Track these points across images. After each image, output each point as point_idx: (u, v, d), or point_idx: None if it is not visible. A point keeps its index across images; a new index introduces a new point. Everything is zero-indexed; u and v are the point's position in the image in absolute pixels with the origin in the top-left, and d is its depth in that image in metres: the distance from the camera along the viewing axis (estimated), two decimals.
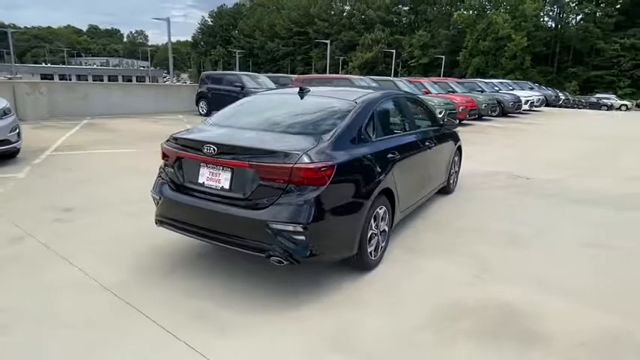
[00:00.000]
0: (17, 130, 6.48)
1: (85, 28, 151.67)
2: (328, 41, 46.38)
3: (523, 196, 5.71)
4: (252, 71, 46.23)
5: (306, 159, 2.64)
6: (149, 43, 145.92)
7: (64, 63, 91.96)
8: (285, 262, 2.67)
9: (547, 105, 25.24)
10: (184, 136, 3.11)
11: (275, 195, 2.66)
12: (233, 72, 16.30)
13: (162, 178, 3.20)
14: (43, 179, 5.68)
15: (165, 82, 68.55)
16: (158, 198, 3.14)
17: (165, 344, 2.36)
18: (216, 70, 65.96)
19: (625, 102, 38.06)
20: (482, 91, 17.86)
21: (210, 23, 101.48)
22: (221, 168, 2.82)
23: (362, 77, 13.66)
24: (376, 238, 3.27)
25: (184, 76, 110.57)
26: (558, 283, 3.19)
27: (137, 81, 72.45)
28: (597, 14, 55.19)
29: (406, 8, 73.75)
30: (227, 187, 2.79)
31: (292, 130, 3.07)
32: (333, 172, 2.72)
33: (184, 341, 2.37)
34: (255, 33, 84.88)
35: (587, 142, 11.88)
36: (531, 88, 24.62)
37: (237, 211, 2.72)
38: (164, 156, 3.20)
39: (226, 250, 3.39)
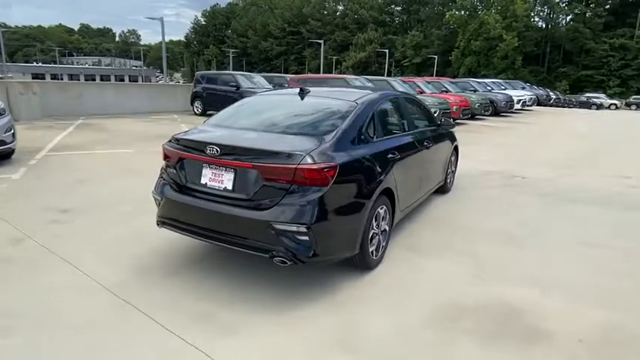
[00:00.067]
0: (12, 131, 6.42)
1: (76, 27, 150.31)
2: (322, 41, 46.36)
3: (519, 195, 5.78)
4: (246, 71, 46.09)
5: (309, 160, 2.67)
6: (141, 43, 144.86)
7: (55, 62, 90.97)
8: (288, 263, 2.69)
9: (539, 104, 25.51)
10: (186, 137, 3.12)
11: (278, 195, 2.68)
12: (228, 72, 16.26)
13: (164, 179, 3.20)
14: (39, 180, 5.64)
15: (158, 81, 68.09)
16: (160, 199, 3.14)
17: (169, 345, 2.36)
18: (209, 69, 65.69)
19: (614, 101, 38.55)
20: (475, 91, 18.02)
21: (203, 23, 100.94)
22: (224, 169, 2.83)
23: (357, 77, 13.70)
24: (377, 237, 3.30)
25: (177, 75, 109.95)
26: (556, 282, 3.24)
27: (130, 80, 71.94)
28: (587, 14, 55.89)
29: (399, 8, 74.01)
30: (230, 187, 2.81)
31: (294, 131, 3.09)
32: (336, 173, 2.75)
33: (189, 342, 2.37)
34: (249, 32, 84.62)
35: (579, 141, 12.05)
36: (523, 88, 24.86)
37: (241, 212, 2.73)
38: (165, 157, 3.20)
39: (227, 251, 3.41)
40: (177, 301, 2.79)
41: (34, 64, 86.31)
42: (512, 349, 2.42)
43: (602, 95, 40.72)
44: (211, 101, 14.31)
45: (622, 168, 7.97)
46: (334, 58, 70.15)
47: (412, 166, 4.00)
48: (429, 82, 16.20)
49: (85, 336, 2.42)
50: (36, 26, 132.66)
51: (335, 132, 3.00)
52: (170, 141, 3.20)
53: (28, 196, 4.96)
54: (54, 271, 3.15)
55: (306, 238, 2.65)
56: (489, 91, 19.56)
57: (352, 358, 2.31)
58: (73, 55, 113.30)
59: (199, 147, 2.91)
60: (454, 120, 12.47)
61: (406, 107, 4.36)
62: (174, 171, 3.08)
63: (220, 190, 2.84)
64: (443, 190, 5.47)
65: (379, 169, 3.23)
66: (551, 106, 30.41)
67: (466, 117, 14.77)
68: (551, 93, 33.63)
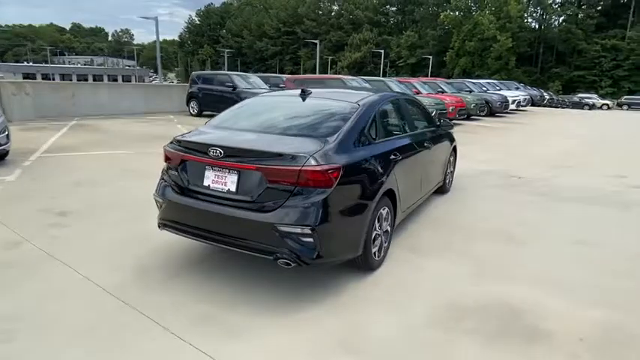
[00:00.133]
0: (6, 132, 6.35)
1: (68, 27, 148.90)
2: (317, 41, 46.40)
3: (516, 194, 5.82)
4: (241, 71, 46.00)
5: (312, 161, 2.66)
6: (134, 42, 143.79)
7: (46, 62, 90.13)
8: (292, 265, 2.68)
9: (533, 105, 25.70)
10: (188, 139, 3.10)
11: (282, 197, 2.67)
12: (224, 72, 16.20)
13: (165, 181, 3.18)
14: (35, 182, 5.58)
15: (151, 81, 67.72)
16: (161, 201, 3.11)
17: (172, 348, 2.35)
18: (204, 69, 65.42)
19: (606, 101, 38.92)
20: (470, 92, 18.11)
21: (198, 22, 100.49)
22: (227, 171, 2.82)
23: (354, 78, 13.72)
24: (380, 238, 3.30)
25: (171, 75, 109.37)
26: (556, 282, 3.26)
27: (123, 80, 71.50)
28: (579, 16, 56.41)
29: (394, 9, 74.20)
30: (233, 189, 2.79)
31: (297, 133, 3.08)
32: (340, 175, 2.75)
33: (193, 344, 2.36)
34: (244, 32, 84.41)
35: (574, 141, 12.15)
36: (517, 88, 25.06)
37: (245, 214, 2.72)
38: (167, 159, 3.18)
39: (227, 252, 3.39)
40: (179, 304, 2.77)
41: (25, 63, 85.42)
42: (514, 348, 2.44)
43: (595, 96, 41.12)
44: (207, 102, 14.26)
45: (617, 167, 8.06)
46: (329, 58, 70.19)
47: (413, 167, 4.01)
48: (425, 83, 16.26)
49: (86, 340, 2.40)
50: (27, 25, 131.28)
51: (338, 133, 3.00)
52: (172, 142, 3.17)
53: (24, 198, 4.90)
54: (53, 274, 3.12)
55: (311, 239, 2.65)
56: (484, 91, 19.68)
57: (356, 359, 2.31)
58: (64, 55, 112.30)
59: (202, 149, 2.89)
60: (450, 120, 12.57)
61: (406, 108, 4.37)
62: (176, 173, 3.05)
63: (224, 192, 2.82)
64: (442, 190, 5.49)
65: (381, 171, 3.23)
66: (544, 106, 30.67)
67: (462, 117, 14.83)
68: (544, 93, 33.91)
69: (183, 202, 2.98)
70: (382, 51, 56.58)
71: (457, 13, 57.97)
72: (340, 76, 16.50)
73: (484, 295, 3.02)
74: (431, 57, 54.31)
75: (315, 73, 46.03)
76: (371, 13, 71.62)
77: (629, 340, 2.57)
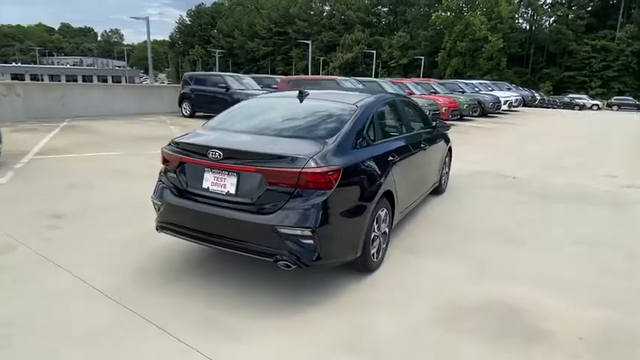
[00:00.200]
0: None
1: (57, 27, 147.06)
2: (310, 41, 46.38)
3: (511, 194, 5.87)
4: (232, 71, 45.79)
5: (312, 163, 2.66)
6: (124, 43, 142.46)
7: (35, 62, 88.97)
8: (293, 267, 2.68)
9: (524, 105, 25.96)
10: (187, 141, 3.08)
11: (282, 199, 2.66)
12: (217, 73, 16.15)
13: (163, 183, 3.15)
14: (28, 184, 5.50)
15: (142, 82, 67.20)
16: (160, 203, 3.09)
17: (173, 351, 2.33)
18: (194, 70, 65.07)
19: (596, 102, 39.48)
20: (463, 92, 18.23)
21: (189, 22, 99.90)
22: (226, 173, 2.81)
23: (348, 78, 13.74)
24: (378, 239, 3.31)
25: (162, 76, 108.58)
26: (555, 281, 3.29)
27: (113, 81, 70.81)
28: (569, 17, 57.12)
29: (385, 9, 74.48)
30: (233, 192, 2.78)
31: (296, 134, 3.08)
32: (340, 176, 2.75)
33: (194, 348, 2.35)
34: (235, 33, 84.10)
35: (566, 141, 12.30)
36: (509, 89, 25.30)
37: (245, 216, 2.71)
38: (164, 161, 3.16)
39: (226, 254, 3.38)
40: (179, 306, 2.75)
41: (13, 64, 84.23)
42: (514, 348, 2.46)
43: (585, 96, 41.67)
44: (200, 103, 14.18)
45: (609, 167, 8.18)
46: (321, 58, 70.23)
47: (410, 168, 4.02)
48: (417, 84, 16.34)
49: (85, 344, 2.37)
50: (15, 25, 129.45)
51: (337, 135, 3.00)
52: (169, 144, 3.15)
53: (17, 201, 4.83)
54: (51, 278, 3.07)
55: (311, 241, 2.65)
56: (477, 92, 19.84)
57: (359, 359, 2.31)
58: (53, 55, 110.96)
59: (201, 151, 2.88)
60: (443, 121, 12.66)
61: (403, 109, 4.39)
62: (174, 175, 3.03)
63: (223, 195, 2.81)
64: (438, 191, 5.52)
65: (380, 172, 3.24)
66: (536, 106, 31.02)
67: (455, 118, 14.93)
68: (536, 94, 34.27)
69: (181, 205, 2.96)
70: (374, 52, 56.73)
71: (448, 13, 58.35)
72: (334, 77, 16.53)
73: (484, 295, 3.04)
74: (423, 57, 54.58)
75: (307, 74, 46.00)
76: (363, 14, 71.80)
77: (629, 339, 2.60)
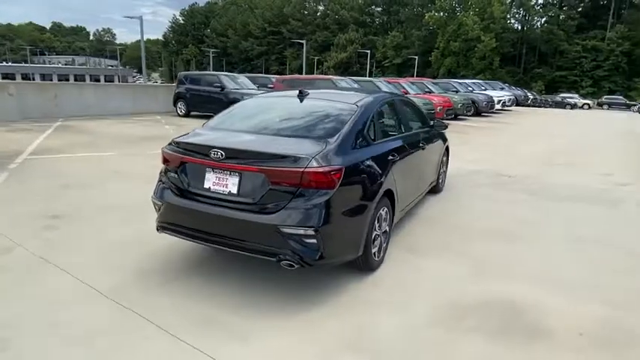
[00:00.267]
0: None
1: (48, 26, 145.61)
2: (304, 41, 46.31)
3: (508, 193, 5.92)
4: (226, 70, 45.56)
5: (315, 163, 2.66)
6: (117, 42, 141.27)
7: (26, 62, 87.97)
8: (295, 266, 2.68)
9: (517, 104, 26.18)
10: (188, 141, 3.06)
11: (285, 199, 2.66)
12: (212, 72, 16.08)
13: (164, 183, 3.13)
14: (23, 185, 5.44)
15: (135, 81, 66.68)
16: (160, 204, 3.07)
17: (175, 352, 2.32)
18: (188, 69, 64.75)
19: (587, 101, 39.93)
20: (457, 92, 18.34)
21: (182, 22, 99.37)
22: (228, 173, 2.80)
23: (343, 78, 13.75)
24: (379, 239, 3.32)
25: (155, 75, 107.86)
26: (555, 279, 3.32)
27: (105, 80, 70.23)
28: (560, 17, 57.70)
29: (379, 9, 74.65)
30: (235, 191, 2.77)
31: (297, 134, 3.07)
32: (342, 176, 2.75)
33: (197, 348, 2.33)
34: (229, 32, 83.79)
35: (559, 140, 12.43)
36: (502, 88, 25.51)
37: (247, 216, 2.70)
38: (165, 161, 3.14)
39: (226, 254, 3.37)
40: (180, 307, 2.74)
41: (4, 63, 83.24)
42: (516, 345, 2.48)
43: (576, 95, 42.14)
44: (195, 102, 14.12)
45: (602, 165, 8.27)
46: (316, 58, 70.22)
47: (410, 167, 4.04)
48: (412, 83, 16.40)
49: (86, 345, 2.35)
50: (5, 24, 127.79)
51: (339, 134, 3.00)
52: (170, 144, 3.13)
53: (13, 201, 4.78)
54: (49, 279, 3.04)
55: (314, 241, 2.65)
56: (470, 91, 19.95)
57: (365, 358, 2.32)
58: (44, 54, 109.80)
59: (202, 151, 2.86)
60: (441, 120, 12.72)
61: (402, 109, 4.40)
62: (175, 175, 3.01)
63: (225, 195, 2.80)
64: (435, 190, 5.54)
65: (380, 171, 3.25)
66: (528, 106, 31.30)
67: (449, 117, 15.01)
68: (528, 93, 34.57)
69: (183, 205, 2.94)
70: (368, 51, 56.82)
71: (442, 13, 58.65)
72: (330, 76, 16.53)
73: (484, 293, 3.06)
74: (416, 57, 54.80)
75: (301, 74, 45.94)
76: (356, 14, 71.90)
77: (630, 336, 2.62)
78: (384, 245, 3.48)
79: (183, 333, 2.45)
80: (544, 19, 59.87)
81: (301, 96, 3.62)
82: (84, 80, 66.39)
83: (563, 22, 56.82)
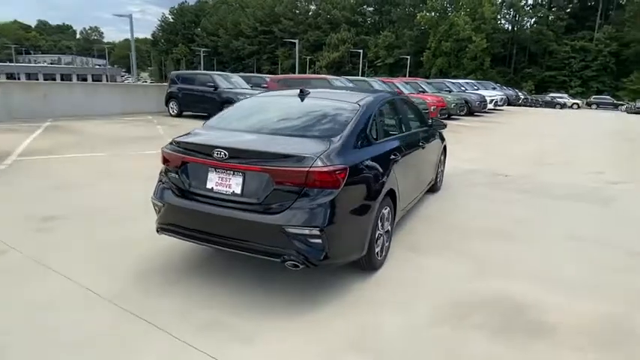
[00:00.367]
0: None
1: (33, 24, 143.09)
2: (296, 40, 46.21)
3: (504, 192, 5.94)
4: (217, 70, 45.31)
5: (320, 162, 2.63)
6: (105, 40, 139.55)
7: (11, 61, 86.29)
8: (300, 266, 2.65)
9: (509, 104, 26.43)
10: (190, 140, 3.01)
11: (290, 199, 2.62)
12: (205, 72, 15.92)
13: (164, 184, 3.07)
14: (13, 187, 5.32)
15: (123, 81, 65.94)
16: (160, 204, 3.01)
17: (177, 353, 2.28)
18: (178, 68, 64.18)
19: (576, 101, 40.51)
20: (450, 91, 18.43)
21: (171, 20, 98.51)
22: (232, 173, 2.75)
23: (338, 77, 13.72)
24: (382, 238, 3.30)
25: (144, 75, 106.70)
26: (555, 277, 3.34)
27: (93, 80, 69.26)
28: (549, 18, 58.46)
29: (371, 9, 74.83)
30: (238, 192, 2.72)
31: (300, 133, 3.04)
32: (346, 175, 2.72)
33: (201, 350, 2.29)
34: (219, 31, 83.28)
35: (551, 139, 12.56)
36: (494, 88, 25.73)
37: (251, 216, 2.66)
38: (165, 160, 3.08)
39: (227, 255, 3.34)
40: (182, 309, 2.69)
41: None
42: (519, 342, 2.48)
43: (565, 95, 42.72)
44: (188, 102, 13.98)
45: (594, 164, 8.37)
46: (308, 57, 70.14)
47: (410, 166, 4.03)
48: (406, 83, 16.44)
49: (86, 350, 2.29)
50: None
51: (342, 134, 2.98)
52: (171, 144, 3.08)
53: (4, 203, 4.67)
54: (45, 283, 2.97)
55: (319, 241, 2.62)
56: (463, 91, 20.08)
57: (370, 358, 2.30)
58: (30, 54, 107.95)
59: (205, 150, 2.81)
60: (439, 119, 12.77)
61: (402, 108, 4.39)
62: (176, 175, 2.95)
63: (228, 195, 2.75)
64: (433, 189, 5.54)
65: (383, 171, 3.23)
66: (520, 105, 31.65)
67: (443, 117, 15.07)
68: (519, 93, 34.94)
69: (184, 205, 2.89)
70: (361, 51, 56.93)
71: (433, 13, 59.00)
72: (325, 76, 16.50)
73: (486, 292, 3.06)
74: (408, 57, 55.06)
75: (294, 73, 45.86)
76: (348, 13, 71.99)
77: (630, 333, 2.64)
78: (387, 244, 3.46)
79: (188, 336, 2.41)
80: (533, 19, 60.61)
81: (302, 95, 3.59)
82: (70, 80, 65.26)
83: (552, 23, 57.56)
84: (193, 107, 13.90)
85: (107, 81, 65.60)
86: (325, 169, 2.63)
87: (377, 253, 3.23)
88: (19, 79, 59.55)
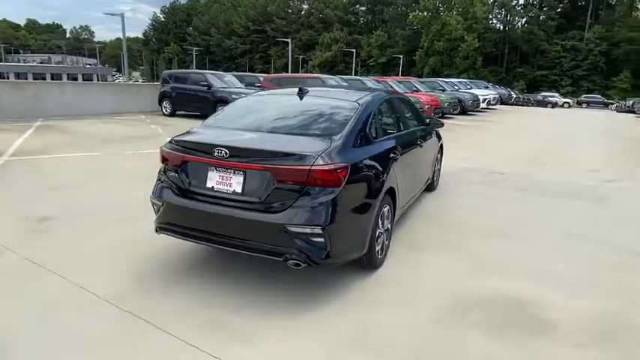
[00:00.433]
0: None
1: (22, 23, 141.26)
2: (289, 40, 46.12)
3: (501, 190, 5.98)
4: (209, 69, 44.99)
5: (321, 161, 2.62)
6: (95, 40, 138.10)
7: (0, 60, 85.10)
8: (302, 265, 2.63)
9: (501, 103, 26.62)
10: (190, 139, 2.98)
11: (291, 198, 2.61)
12: (198, 70, 15.80)
13: (163, 183, 3.04)
14: (7, 187, 5.24)
15: (114, 80, 65.34)
16: (160, 204, 2.97)
17: (178, 354, 2.26)
18: (170, 68, 63.70)
19: (567, 100, 40.91)
20: (443, 90, 18.51)
21: (163, 19, 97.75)
22: (232, 171, 2.73)
23: (332, 76, 13.71)
24: (382, 236, 3.30)
25: (136, 74, 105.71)
26: (553, 274, 3.36)
27: (84, 79, 68.44)
28: (540, 17, 58.97)
29: (363, 8, 74.93)
30: (239, 190, 2.70)
31: (301, 132, 3.03)
32: (348, 173, 2.72)
33: (203, 349, 2.27)
34: (211, 30, 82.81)
35: (545, 137, 12.67)
36: (487, 87, 25.93)
37: (252, 215, 2.64)
38: (164, 160, 3.05)
39: (226, 254, 3.31)
40: (183, 309, 2.66)
41: None
42: (520, 339, 2.50)
43: (557, 94, 43.12)
44: (181, 101, 13.88)
45: (588, 162, 8.46)
46: (300, 57, 70.03)
47: (409, 165, 4.03)
48: (400, 82, 16.48)
49: (87, 352, 2.26)
50: None
51: (342, 132, 2.97)
52: (170, 142, 3.04)
53: None
54: (44, 285, 2.92)
55: (321, 239, 2.61)
56: (456, 90, 20.18)
57: (374, 356, 2.30)
58: (19, 53, 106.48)
59: (206, 149, 2.79)
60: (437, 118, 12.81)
61: (400, 107, 4.39)
62: (176, 174, 2.92)
63: (229, 194, 2.73)
64: (430, 187, 5.55)
65: (383, 169, 3.23)
66: (512, 104, 31.91)
67: (437, 116, 15.13)
68: (512, 92, 35.23)
69: (184, 205, 2.86)
70: (353, 50, 56.98)
71: (425, 13, 59.24)
72: (319, 75, 16.48)
73: (485, 289, 3.08)
74: (401, 56, 55.21)
75: (286, 72, 45.78)
76: (341, 13, 72.00)
77: (629, 330, 2.66)
78: (387, 243, 3.47)
79: (189, 336, 2.38)
80: (525, 19, 61.08)
81: (301, 94, 3.57)
82: (61, 79, 64.42)
83: (543, 23, 58.09)
84: (187, 106, 13.81)
85: (98, 80, 64.91)
86: (327, 167, 2.62)
87: (377, 251, 3.23)
88: (8, 78, 58.66)
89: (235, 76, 15.78)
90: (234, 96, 11.70)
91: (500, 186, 6.23)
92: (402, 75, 45.91)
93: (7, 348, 2.26)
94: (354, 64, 58.93)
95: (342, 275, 3.16)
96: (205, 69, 42.36)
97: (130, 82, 46.71)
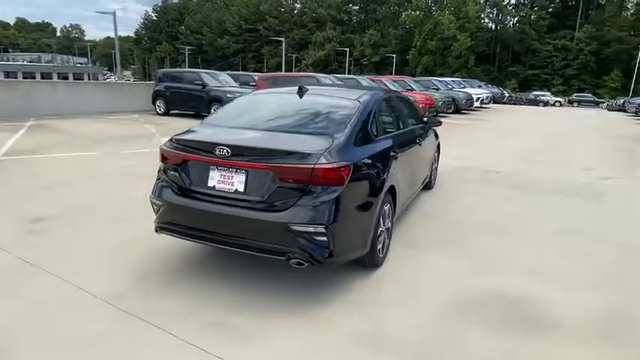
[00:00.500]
0: None
1: (12, 22, 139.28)
2: (283, 38, 46.00)
3: (497, 189, 6.01)
4: (202, 68, 44.74)
5: (324, 159, 2.61)
6: (86, 38, 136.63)
7: None
8: (305, 264, 2.62)
9: (494, 102, 26.80)
10: (190, 138, 2.95)
11: (294, 196, 2.60)
12: (192, 69, 15.70)
13: (163, 182, 3.00)
14: (1, 187, 5.14)
15: (105, 79, 64.70)
16: (160, 203, 2.94)
17: (180, 354, 2.24)
18: (162, 67, 63.29)
19: (559, 99, 41.31)
20: (437, 89, 18.57)
21: (155, 18, 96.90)
22: (234, 170, 2.70)
23: (327, 75, 13.69)
24: (383, 235, 3.30)
25: (127, 73, 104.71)
26: (552, 271, 3.38)
27: (74, 79, 67.60)
28: (532, 17, 59.43)
29: (356, 7, 74.94)
30: (242, 189, 2.68)
31: (302, 130, 3.01)
32: (350, 172, 2.71)
33: (203, 349, 2.25)
34: (204, 29, 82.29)
35: (538, 136, 12.76)
36: (480, 86, 26.06)
37: (255, 214, 2.62)
38: (164, 159, 3.01)
39: (226, 253, 3.29)
40: (184, 310, 2.64)
41: None
42: (521, 336, 2.51)
43: (548, 93, 43.54)
44: (175, 100, 13.77)
45: (583, 160, 8.54)
46: (293, 56, 69.87)
47: (408, 163, 4.03)
48: (394, 81, 16.51)
49: (86, 352, 2.23)
50: None
51: (344, 131, 2.96)
52: (170, 141, 3.01)
53: None
54: (41, 286, 2.88)
55: (324, 238, 2.60)
56: (450, 89, 20.27)
57: (378, 355, 2.29)
58: (8, 52, 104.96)
59: (206, 148, 2.76)
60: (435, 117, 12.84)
61: (399, 105, 4.40)
62: (176, 173, 2.89)
63: (231, 193, 2.70)
64: (428, 186, 5.57)
65: (384, 167, 3.23)
66: (504, 103, 32.14)
67: (431, 114, 15.18)
68: (504, 91, 35.49)
69: (184, 204, 2.83)
70: (347, 49, 56.98)
71: (418, 12, 59.42)
72: (313, 74, 16.45)
73: (486, 287, 3.09)
74: (394, 55, 55.33)
75: (280, 71, 45.64)
76: (334, 12, 71.92)
77: (630, 325, 2.69)
78: (387, 241, 3.46)
79: (191, 337, 2.36)
80: (516, 18, 61.55)
81: (301, 92, 3.55)
82: (51, 78, 63.61)
83: (534, 22, 58.56)
84: (181, 106, 13.71)
85: (89, 79, 64.17)
86: (329, 165, 2.61)
87: (379, 250, 3.22)
88: None
89: (229, 75, 15.70)
90: (228, 95, 11.63)
91: (496, 184, 6.26)
92: (395, 74, 46.02)
93: (7, 348, 2.23)
94: (347, 63, 58.97)
95: (344, 274, 3.15)
96: (198, 68, 42.16)
97: (121, 81, 46.27)
